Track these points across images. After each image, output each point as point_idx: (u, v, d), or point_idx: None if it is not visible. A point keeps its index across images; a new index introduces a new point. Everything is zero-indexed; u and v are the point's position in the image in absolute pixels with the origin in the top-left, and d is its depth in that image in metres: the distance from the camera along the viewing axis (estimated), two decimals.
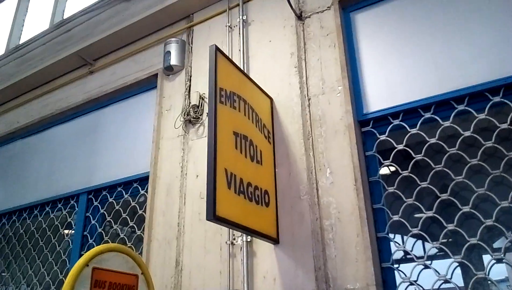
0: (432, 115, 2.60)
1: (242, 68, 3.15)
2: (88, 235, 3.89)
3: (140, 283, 2.87)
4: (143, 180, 3.70)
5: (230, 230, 2.93)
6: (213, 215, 2.17)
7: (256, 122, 2.82)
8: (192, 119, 3.49)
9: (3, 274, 4.62)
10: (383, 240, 2.50)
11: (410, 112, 2.67)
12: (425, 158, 2.56)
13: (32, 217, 4.54)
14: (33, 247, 4.38)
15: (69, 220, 4.18)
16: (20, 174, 4.88)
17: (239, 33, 3.48)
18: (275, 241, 2.69)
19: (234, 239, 2.90)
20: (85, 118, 4.52)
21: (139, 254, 3.22)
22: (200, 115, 3.48)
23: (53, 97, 4.83)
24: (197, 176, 3.28)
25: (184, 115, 3.54)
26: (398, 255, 2.50)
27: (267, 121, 2.97)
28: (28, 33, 6.01)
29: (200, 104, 3.50)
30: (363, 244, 2.40)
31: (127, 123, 4.10)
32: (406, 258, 2.62)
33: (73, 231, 4.09)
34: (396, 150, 2.64)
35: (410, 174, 2.55)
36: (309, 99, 2.93)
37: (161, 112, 3.77)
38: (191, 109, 3.51)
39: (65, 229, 4.23)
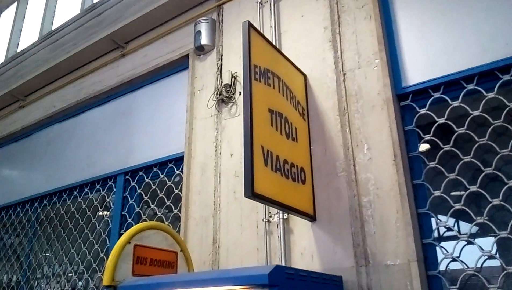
0: (475, 87, 2.49)
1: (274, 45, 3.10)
2: (126, 214, 4.00)
3: (179, 259, 2.94)
4: (178, 160, 3.75)
5: (266, 208, 2.94)
6: (251, 192, 2.18)
7: (291, 99, 2.78)
8: (224, 98, 3.49)
9: (47, 254, 4.82)
10: (424, 216, 2.44)
11: (451, 84, 2.56)
12: (468, 131, 2.46)
13: (72, 198, 4.69)
14: (73, 227, 4.54)
15: (107, 200, 4.30)
16: (59, 157, 5.04)
17: (270, 9, 3.42)
18: (312, 218, 2.68)
19: (271, 216, 2.91)
20: (119, 100, 4.59)
21: (176, 232, 3.27)
22: (233, 94, 3.47)
23: (87, 81, 4.92)
24: (231, 155, 3.29)
25: (216, 95, 3.54)
26: (440, 231, 2.44)
27: (301, 98, 2.93)
28: (60, 18, 6.12)
29: (232, 83, 3.49)
30: (404, 220, 2.36)
31: (161, 105, 4.14)
32: (448, 235, 2.55)
33: (111, 212, 4.21)
34: (437, 124, 2.55)
35: (452, 148, 2.47)
36: (344, 74, 2.86)
37: (193, 92, 3.78)
38: (223, 88, 3.50)
39: (104, 209, 4.36)
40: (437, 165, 2.50)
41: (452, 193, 2.45)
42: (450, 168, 2.47)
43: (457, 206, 2.38)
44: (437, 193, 2.44)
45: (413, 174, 2.54)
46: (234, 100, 3.44)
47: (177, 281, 2.10)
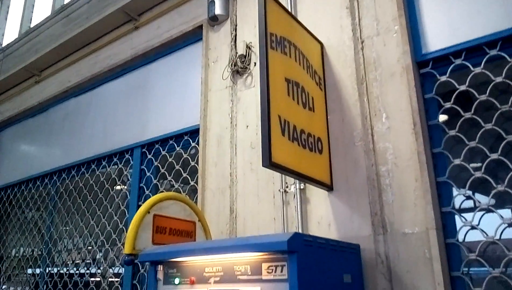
0: (499, 52, 2.41)
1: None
2: (144, 187, 4.05)
3: (198, 229, 2.99)
4: (194, 132, 3.76)
5: (282, 178, 2.94)
6: (268, 162, 2.18)
7: (307, 68, 2.74)
8: (239, 69, 3.45)
9: (67, 226, 4.94)
10: (443, 185, 2.42)
11: (473, 50, 2.49)
12: (490, 98, 2.40)
13: (90, 172, 4.77)
14: (92, 199, 4.63)
15: (125, 173, 4.36)
16: (76, 131, 5.10)
17: None
18: (329, 188, 2.68)
19: (287, 187, 2.92)
20: (134, 74, 4.59)
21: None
22: (248, 65, 3.43)
23: (101, 55, 4.92)
24: (247, 126, 3.28)
25: (231, 66, 3.51)
26: (459, 200, 2.42)
27: (318, 67, 2.88)
28: None
29: (247, 54, 3.45)
30: (422, 189, 2.34)
31: (175, 77, 4.13)
32: (467, 204, 2.53)
33: (129, 184, 4.27)
34: (457, 91, 2.49)
35: (473, 116, 2.42)
36: (362, 42, 2.79)
37: (208, 64, 3.75)
38: (238, 59, 3.46)
39: (122, 182, 4.42)
40: (457, 134, 2.45)
41: (472, 161, 2.41)
42: (470, 137, 2.42)
43: (477, 174, 2.35)
44: (457, 161, 2.41)
45: (432, 142, 2.50)
46: (249, 71, 3.40)
47: (197, 249, 2.14)
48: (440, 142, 2.48)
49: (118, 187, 4.44)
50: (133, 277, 3.84)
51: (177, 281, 2.20)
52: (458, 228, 2.35)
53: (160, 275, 2.29)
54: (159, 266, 2.30)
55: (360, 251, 2.40)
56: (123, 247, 2.61)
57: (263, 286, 1.88)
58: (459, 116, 2.47)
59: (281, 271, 1.86)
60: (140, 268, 3.82)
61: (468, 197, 2.41)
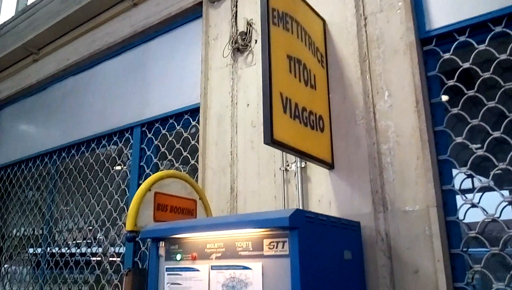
0: (504, 29, 2.38)
1: None
2: (144, 165, 4.05)
3: (199, 207, 2.99)
4: (194, 111, 3.74)
5: (283, 157, 2.94)
6: (270, 139, 2.17)
7: (309, 45, 2.70)
8: (240, 47, 3.41)
9: (68, 205, 4.96)
10: (444, 163, 2.42)
11: (478, 27, 2.45)
12: (493, 76, 2.38)
13: (90, 151, 4.76)
14: (93, 178, 4.64)
15: (125, 152, 4.35)
16: (75, 110, 5.07)
17: None
18: (330, 166, 2.68)
19: (288, 165, 2.92)
20: (133, 52, 4.53)
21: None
22: (249, 42, 3.39)
23: (99, 33, 4.85)
24: (248, 104, 3.26)
25: (231, 44, 3.46)
26: (460, 178, 2.42)
27: (320, 44, 2.85)
28: None
29: (248, 31, 3.40)
30: (424, 167, 2.34)
31: (175, 55, 4.08)
32: (468, 182, 2.53)
33: (129, 163, 4.27)
34: (461, 69, 2.47)
35: (476, 94, 2.40)
36: (365, 18, 2.75)
37: (208, 42, 3.70)
38: (238, 36, 3.42)
39: (122, 161, 4.42)
40: (459, 112, 2.44)
41: (474, 139, 2.41)
42: (473, 115, 2.41)
43: (479, 152, 2.34)
44: (459, 139, 2.40)
45: (434, 120, 2.49)
46: (250, 48, 3.36)
47: (199, 225, 2.15)
48: (442, 120, 2.47)
49: (118, 167, 4.45)
50: (134, 254, 3.87)
51: (178, 257, 2.22)
52: (458, 206, 2.36)
53: (162, 252, 2.30)
54: (160, 242, 2.31)
55: (360, 229, 2.41)
56: (124, 225, 2.62)
57: (264, 262, 1.90)
58: (462, 94, 2.45)
59: (283, 247, 1.87)
60: (142, 246, 3.85)
61: (469, 176, 2.41)
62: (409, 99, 2.47)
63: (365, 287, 2.35)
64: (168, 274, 2.25)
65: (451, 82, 2.49)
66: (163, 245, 2.31)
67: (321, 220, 2.03)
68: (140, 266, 3.77)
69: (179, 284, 2.19)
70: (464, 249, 2.27)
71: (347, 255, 2.20)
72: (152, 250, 2.34)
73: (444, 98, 2.54)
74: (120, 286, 3.85)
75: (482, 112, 2.37)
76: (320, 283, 1.90)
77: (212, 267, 2.08)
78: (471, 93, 2.42)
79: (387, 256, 2.36)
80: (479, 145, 2.39)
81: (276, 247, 1.89)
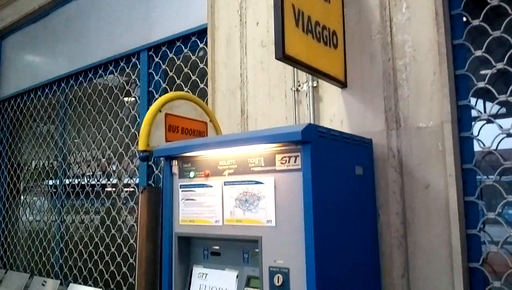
0: None
1: None
2: (153, 90, 4.02)
3: (209, 129, 2.99)
4: (201, 33, 3.62)
5: (295, 76, 2.87)
6: (282, 54, 2.10)
7: None
8: None
9: (79, 133, 5.00)
10: (461, 78, 2.34)
11: None
12: None
13: (97, 77, 4.71)
14: (103, 105, 4.63)
15: (133, 77, 4.30)
16: (80, 36, 4.94)
17: None
18: (343, 84, 2.61)
19: (299, 85, 2.86)
20: None
21: None
22: None
23: None
24: (257, 23, 3.13)
25: None
26: (477, 94, 2.35)
27: None
28: None
29: None
30: (440, 82, 2.27)
31: None
32: (486, 97, 2.46)
33: (138, 89, 4.23)
34: None
35: (501, 3, 2.25)
36: None
37: None
38: None
39: (131, 86, 4.38)
40: (481, 23, 2.31)
41: (495, 53, 2.30)
42: (494, 27, 2.29)
43: (499, 65, 2.25)
44: (478, 53, 2.30)
45: (453, 34, 2.37)
46: None
47: (211, 142, 2.15)
48: (462, 33, 2.35)
49: (127, 93, 4.42)
50: (148, 178, 3.96)
51: (192, 174, 2.25)
52: (473, 122, 2.31)
53: (175, 170, 2.34)
54: (173, 161, 2.34)
55: (372, 145, 2.41)
56: (137, 146, 2.64)
57: (276, 176, 1.92)
58: (485, 4, 2.31)
59: (295, 162, 1.87)
60: (155, 170, 3.93)
61: (487, 91, 2.33)
62: (428, 11, 2.34)
63: (375, 202, 2.40)
64: (182, 191, 2.30)
65: None
66: (176, 163, 2.34)
67: (333, 135, 2.02)
68: None
69: (193, 199, 2.25)
70: (477, 164, 2.27)
71: (358, 170, 2.22)
72: (165, 169, 2.37)
73: (466, 7, 2.39)
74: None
75: (505, 22, 2.24)
76: (331, 196, 1.93)
77: (225, 183, 2.11)
78: (494, 2, 2.27)
79: (398, 172, 2.38)
80: (500, 56, 2.28)
81: (288, 162, 1.90)
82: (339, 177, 2.04)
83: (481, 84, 2.29)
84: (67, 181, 5.13)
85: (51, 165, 5.49)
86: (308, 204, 1.78)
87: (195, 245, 2.32)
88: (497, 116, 2.31)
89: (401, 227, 2.34)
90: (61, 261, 5.01)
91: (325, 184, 1.88)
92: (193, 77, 3.69)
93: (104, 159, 4.66)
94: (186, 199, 2.28)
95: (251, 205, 2.00)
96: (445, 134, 2.23)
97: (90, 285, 4.36)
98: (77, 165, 5.11)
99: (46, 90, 5.47)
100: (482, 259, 2.20)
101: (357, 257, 2.14)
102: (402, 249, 2.33)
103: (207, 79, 3.48)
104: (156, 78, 4.01)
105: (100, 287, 4.19)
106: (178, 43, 3.83)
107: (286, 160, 1.91)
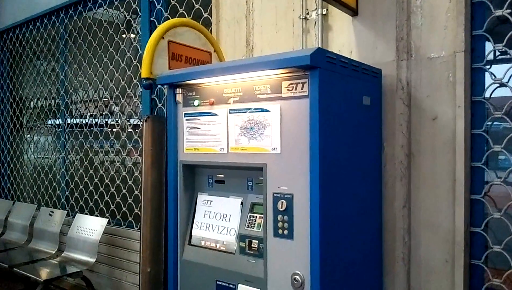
0: None
1: None
2: (155, 20, 3.88)
3: (213, 60, 2.92)
4: None
5: (303, 4, 2.75)
6: None
7: None
8: None
9: (81, 66, 4.90)
10: (477, 5, 2.22)
11: None
12: None
13: (97, 7, 4.53)
14: (103, 36, 4.50)
15: (133, 6, 4.14)
16: None
17: None
18: (354, 11, 2.50)
19: (308, 13, 2.74)
20: None
21: None
22: None
23: None
24: None
25: None
26: (492, 23, 2.25)
27: None
28: None
29: None
30: (456, 10, 2.17)
31: None
32: (501, 27, 2.36)
33: (139, 18, 4.09)
34: None
35: None
36: None
37: None
38: None
39: (132, 16, 4.23)
40: None
41: None
42: None
43: None
44: None
45: None
46: None
47: (216, 68, 2.10)
48: None
49: (128, 23, 4.27)
50: (151, 111, 3.94)
51: (196, 102, 2.22)
52: (487, 52, 2.24)
53: (179, 98, 2.30)
54: (178, 89, 2.30)
55: (381, 76, 2.35)
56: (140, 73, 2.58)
57: (283, 104, 1.88)
58: None
59: (302, 88, 1.83)
60: (158, 103, 3.90)
61: (504, 20, 2.23)
62: None
63: (381, 133, 2.38)
64: (186, 120, 2.28)
65: None
66: (180, 92, 2.30)
67: (342, 62, 1.95)
68: None
69: (197, 128, 2.23)
70: (487, 98, 2.22)
71: (366, 100, 2.17)
72: (169, 97, 2.34)
73: None
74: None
75: None
76: (337, 124, 1.90)
77: (230, 111, 2.08)
78: None
79: (406, 104, 2.34)
80: None
81: (295, 89, 1.85)
82: (346, 106, 2.00)
83: (498, 12, 2.18)
84: (69, 120, 5.12)
85: (54, 98, 5.46)
86: (314, 131, 1.76)
87: (200, 173, 2.33)
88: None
89: (405, 159, 2.34)
90: (67, 193, 5.12)
91: (332, 112, 1.85)
92: (197, 6, 3.54)
93: (106, 92, 4.60)
94: (191, 128, 2.26)
95: (256, 133, 1.98)
96: (457, 64, 2.16)
97: (96, 216, 4.48)
98: (79, 100, 5.07)
99: (45, 21, 5.30)
100: (484, 192, 2.21)
101: (360, 186, 2.16)
102: (405, 180, 2.34)
103: (211, 7, 3.35)
104: (158, 6, 3.85)
105: (106, 217, 4.30)
106: None
107: (293, 87, 1.86)
